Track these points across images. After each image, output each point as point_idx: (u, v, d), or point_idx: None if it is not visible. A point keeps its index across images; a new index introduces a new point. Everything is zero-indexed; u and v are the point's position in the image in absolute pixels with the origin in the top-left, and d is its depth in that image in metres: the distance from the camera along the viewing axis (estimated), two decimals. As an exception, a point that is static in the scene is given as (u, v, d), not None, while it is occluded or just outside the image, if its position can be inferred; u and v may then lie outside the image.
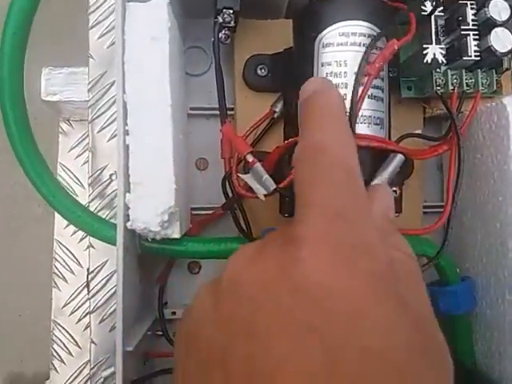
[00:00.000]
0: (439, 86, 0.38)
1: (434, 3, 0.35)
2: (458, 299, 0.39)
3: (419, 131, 0.43)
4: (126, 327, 0.31)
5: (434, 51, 0.35)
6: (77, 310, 0.52)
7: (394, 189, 0.33)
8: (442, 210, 0.45)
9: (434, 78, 0.38)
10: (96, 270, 0.43)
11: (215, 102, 0.38)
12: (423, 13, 0.35)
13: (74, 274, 0.53)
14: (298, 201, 0.24)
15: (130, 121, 0.31)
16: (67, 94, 0.50)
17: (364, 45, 0.33)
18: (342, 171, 0.23)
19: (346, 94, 0.33)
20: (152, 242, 0.34)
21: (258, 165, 0.34)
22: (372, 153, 0.32)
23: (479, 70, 0.36)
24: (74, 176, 0.56)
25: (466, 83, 0.36)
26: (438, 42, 0.36)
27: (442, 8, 0.36)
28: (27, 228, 0.94)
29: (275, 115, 0.40)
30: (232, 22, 0.35)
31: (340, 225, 0.21)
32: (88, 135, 0.44)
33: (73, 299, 0.53)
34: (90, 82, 0.43)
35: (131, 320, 0.32)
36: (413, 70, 0.40)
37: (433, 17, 0.36)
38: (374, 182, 0.32)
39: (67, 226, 0.54)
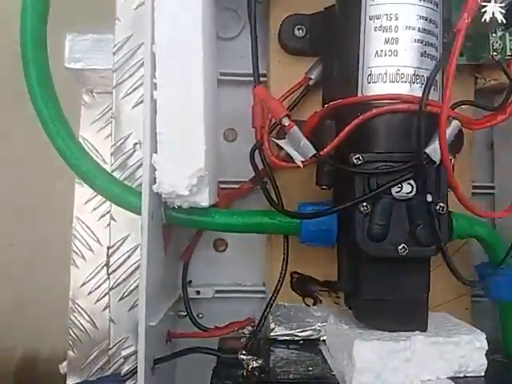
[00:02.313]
0: (496, 50, 0.35)
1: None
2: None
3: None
4: (150, 300, 0.28)
5: (493, 9, 0.31)
6: (96, 289, 0.49)
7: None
8: (491, 191, 0.42)
9: (491, 42, 0.35)
10: (117, 245, 0.41)
11: (246, 68, 0.36)
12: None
13: (93, 252, 0.51)
14: None
15: (159, 73, 0.28)
16: (91, 61, 0.47)
17: (418, -3, 0.30)
18: None
19: (396, 51, 0.30)
20: (178, 210, 0.31)
21: (296, 128, 0.31)
22: (427, 118, 0.28)
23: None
24: (96, 150, 0.53)
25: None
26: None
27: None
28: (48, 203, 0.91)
29: (310, 82, 0.37)
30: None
31: None
32: (111, 104, 0.41)
33: (92, 278, 0.51)
34: (115, 45, 0.41)
35: (154, 294, 0.30)
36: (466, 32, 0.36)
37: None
38: (427, 149, 0.28)
39: (87, 201, 0.51)
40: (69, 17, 0.64)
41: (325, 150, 0.30)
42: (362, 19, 0.31)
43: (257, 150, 0.34)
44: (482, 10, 0.32)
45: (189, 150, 0.28)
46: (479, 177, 0.41)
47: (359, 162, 0.29)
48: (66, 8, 0.60)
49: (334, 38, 0.34)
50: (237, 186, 0.40)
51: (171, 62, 0.28)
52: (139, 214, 0.29)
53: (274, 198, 0.35)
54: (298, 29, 0.37)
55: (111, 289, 0.41)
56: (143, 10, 0.30)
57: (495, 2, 0.32)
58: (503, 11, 0.32)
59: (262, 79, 0.37)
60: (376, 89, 0.30)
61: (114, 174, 0.42)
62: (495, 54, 0.35)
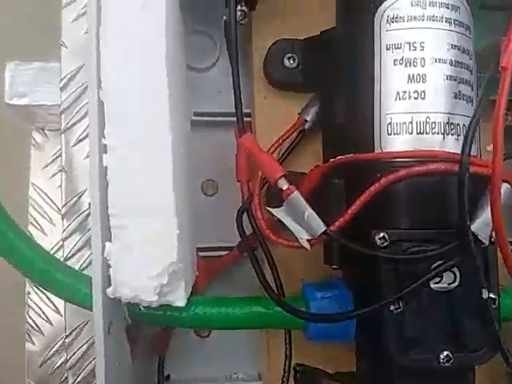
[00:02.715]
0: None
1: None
2: None
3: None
4: None
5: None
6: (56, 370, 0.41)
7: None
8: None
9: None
10: (74, 334, 0.33)
11: (225, 105, 0.30)
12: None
13: (51, 324, 0.43)
14: None
15: (109, 130, 0.20)
16: (38, 96, 0.39)
17: (447, 20, 0.23)
18: None
19: (423, 92, 0.23)
20: (146, 309, 0.23)
21: (297, 194, 0.23)
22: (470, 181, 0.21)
23: None
24: (50, 199, 0.45)
25: None
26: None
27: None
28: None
29: (306, 126, 0.30)
30: (252, -6, 0.25)
31: None
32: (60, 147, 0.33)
33: (53, 354, 0.43)
34: (62, 79, 0.33)
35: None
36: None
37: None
38: (473, 226, 0.21)
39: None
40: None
41: (336, 224, 0.23)
42: (376, 49, 0.23)
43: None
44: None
45: (155, 238, 0.21)
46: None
47: (385, 244, 0.22)
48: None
49: (336, 71, 0.27)
50: (221, 252, 0.32)
51: (125, 114, 0.21)
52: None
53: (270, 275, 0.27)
54: (289, 58, 0.30)
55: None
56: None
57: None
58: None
59: (246, 119, 0.30)
60: (399, 142, 0.23)
61: (69, 239, 0.34)
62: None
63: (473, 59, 0.24)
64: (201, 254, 0.31)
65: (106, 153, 0.21)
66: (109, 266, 0.21)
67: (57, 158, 0.46)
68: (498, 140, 0.20)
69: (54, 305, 0.43)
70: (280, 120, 0.30)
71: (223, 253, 0.32)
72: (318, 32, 0.29)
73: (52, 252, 0.45)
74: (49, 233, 0.45)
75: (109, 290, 0.21)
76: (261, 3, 0.29)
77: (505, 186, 0.23)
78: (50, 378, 0.42)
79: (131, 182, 0.20)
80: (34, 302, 0.44)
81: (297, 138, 0.30)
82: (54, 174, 0.45)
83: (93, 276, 0.21)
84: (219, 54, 0.33)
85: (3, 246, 0.24)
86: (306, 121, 0.30)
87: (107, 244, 0.21)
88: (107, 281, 0.21)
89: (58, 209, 0.45)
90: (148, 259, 0.21)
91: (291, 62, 0.30)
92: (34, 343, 0.43)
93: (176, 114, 0.23)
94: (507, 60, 0.21)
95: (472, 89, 0.24)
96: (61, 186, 0.34)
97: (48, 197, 0.45)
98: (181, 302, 0.23)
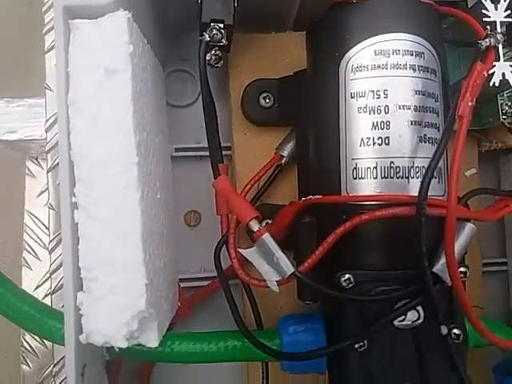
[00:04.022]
0: (506, 114, 0.29)
1: (501, 5, 0.26)
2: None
3: (474, 170, 0.33)
4: None
5: (503, 70, 0.25)
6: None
7: (464, 269, 0.23)
8: (503, 267, 0.35)
9: (500, 104, 0.29)
10: (60, 363, 0.34)
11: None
12: (485, 19, 0.25)
13: (46, 347, 0.44)
14: None
15: (79, 189, 0.21)
16: (28, 131, 0.40)
17: (411, 66, 0.24)
18: None
19: (387, 138, 0.23)
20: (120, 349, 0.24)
21: (267, 236, 0.24)
22: (431, 222, 0.22)
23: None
24: (45, 226, 0.46)
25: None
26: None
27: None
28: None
29: (283, 161, 0.31)
30: (224, 40, 0.25)
31: None
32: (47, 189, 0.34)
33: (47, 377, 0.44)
34: (47, 120, 0.34)
35: None
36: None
37: (498, 22, 0.26)
38: (436, 267, 0.22)
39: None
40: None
41: (305, 264, 0.23)
42: (341, 96, 0.24)
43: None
44: (490, 72, 0.26)
45: (124, 288, 0.22)
46: (488, 252, 0.35)
47: (350, 285, 0.23)
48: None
49: (307, 111, 0.28)
50: (203, 282, 0.33)
51: (94, 173, 0.21)
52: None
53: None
54: (264, 97, 0.30)
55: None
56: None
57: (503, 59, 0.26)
58: (515, 71, 0.25)
59: (226, 152, 0.30)
60: (364, 187, 0.23)
61: (56, 273, 0.35)
62: (505, 118, 0.29)
63: (439, 101, 0.25)
64: (184, 284, 0.32)
65: (76, 209, 0.22)
66: (81, 315, 0.22)
67: (50, 186, 0.47)
68: (452, 184, 0.21)
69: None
70: (259, 154, 0.31)
71: (206, 282, 0.33)
72: (292, 72, 0.30)
73: (47, 277, 0.46)
74: (43, 259, 0.46)
75: (81, 337, 0.22)
76: (237, 46, 0.30)
77: (469, 226, 0.23)
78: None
79: (100, 236, 0.21)
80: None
81: (274, 172, 0.31)
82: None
83: (65, 324, 0.22)
84: (200, 90, 0.34)
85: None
86: (283, 156, 0.30)
87: (79, 294, 0.22)
88: (80, 328, 0.22)
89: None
90: (117, 308, 0.21)
91: (267, 100, 0.30)
92: (29, 366, 0.44)
93: (147, 163, 0.24)
94: (463, 110, 0.21)
95: (438, 130, 0.24)
96: (48, 222, 0.34)
97: (42, 223, 0.46)
98: (153, 343, 0.23)
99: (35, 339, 0.45)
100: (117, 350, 0.23)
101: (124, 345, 0.22)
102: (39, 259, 0.46)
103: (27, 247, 0.47)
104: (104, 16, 0.21)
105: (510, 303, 0.35)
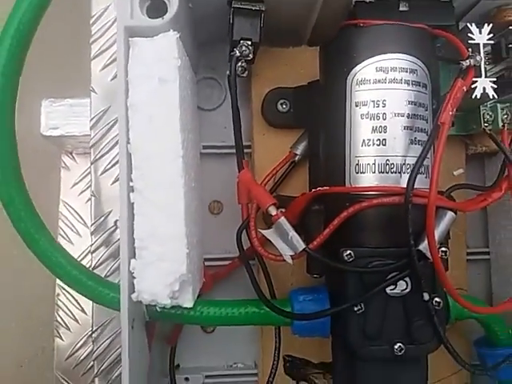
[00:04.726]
0: (488, 122, 0.33)
1: (484, 29, 0.31)
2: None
3: (461, 170, 0.38)
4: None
5: (484, 85, 0.30)
6: (80, 363, 0.47)
7: (444, 249, 0.28)
8: (486, 256, 0.40)
9: (482, 113, 0.33)
10: (99, 329, 0.39)
11: (230, 139, 0.35)
12: (470, 41, 0.30)
13: (78, 322, 0.49)
14: None
15: (135, 175, 0.26)
16: (69, 127, 0.46)
17: (406, 81, 0.29)
18: None
19: (384, 140, 0.28)
20: (162, 309, 0.29)
21: (283, 220, 0.29)
22: (418, 209, 0.27)
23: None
24: (78, 214, 0.52)
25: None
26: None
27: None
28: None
29: (296, 158, 0.36)
30: (251, 55, 0.30)
31: None
32: (91, 181, 0.39)
33: (78, 349, 0.49)
34: (92, 119, 0.39)
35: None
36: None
37: (481, 44, 0.31)
38: (421, 246, 0.27)
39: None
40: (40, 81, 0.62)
41: (314, 243, 0.29)
42: (347, 105, 0.29)
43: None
44: (472, 86, 0.31)
45: (169, 256, 0.27)
46: (473, 242, 0.40)
47: (351, 259, 0.28)
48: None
49: (319, 116, 0.33)
50: (224, 262, 0.38)
51: (148, 163, 0.26)
52: (117, 309, 0.27)
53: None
54: (282, 103, 0.36)
55: (96, 375, 0.39)
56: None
57: (485, 75, 0.31)
58: (494, 86, 0.30)
59: (246, 150, 0.35)
60: (364, 180, 0.29)
61: (96, 252, 0.40)
62: (486, 125, 0.33)
63: (429, 110, 0.30)
64: (208, 263, 0.37)
65: (132, 192, 0.27)
66: (133, 277, 0.27)
67: (83, 178, 0.52)
68: (433, 177, 0.26)
69: (80, 305, 0.49)
70: (276, 152, 0.36)
71: (227, 262, 0.38)
72: (306, 82, 0.35)
73: (79, 260, 0.51)
74: (76, 243, 0.52)
75: (133, 295, 0.27)
76: (259, 58, 0.35)
77: (449, 213, 0.28)
78: (74, 370, 0.49)
79: (152, 214, 0.26)
80: (63, 303, 0.50)
81: (288, 168, 0.36)
82: (81, 192, 0.52)
83: (121, 284, 0.27)
84: (225, 95, 0.39)
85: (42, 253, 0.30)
86: (296, 154, 0.35)
87: (132, 260, 0.27)
88: (132, 288, 0.27)
89: (85, 222, 0.51)
90: (163, 272, 0.27)
91: (284, 106, 0.36)
92: (62, 339, 0.49)
93: (188, 158, 0.29)
94: (445, 118, 0.26)
95: (427, 134, 0.29)
96: (90, 208, 0.40)
97: (76, 212, 0.52)
98: (188, 304, 0.28)
99: (68, 315, 0.50)
100: (158, 309, 0.29)
101: (167, 302, 0.27)
102: (72, 243, 0.52)
103: (61, 232, 0.52)
104: (158, 35, 0.27)
105: (492, 288, 0.40)
